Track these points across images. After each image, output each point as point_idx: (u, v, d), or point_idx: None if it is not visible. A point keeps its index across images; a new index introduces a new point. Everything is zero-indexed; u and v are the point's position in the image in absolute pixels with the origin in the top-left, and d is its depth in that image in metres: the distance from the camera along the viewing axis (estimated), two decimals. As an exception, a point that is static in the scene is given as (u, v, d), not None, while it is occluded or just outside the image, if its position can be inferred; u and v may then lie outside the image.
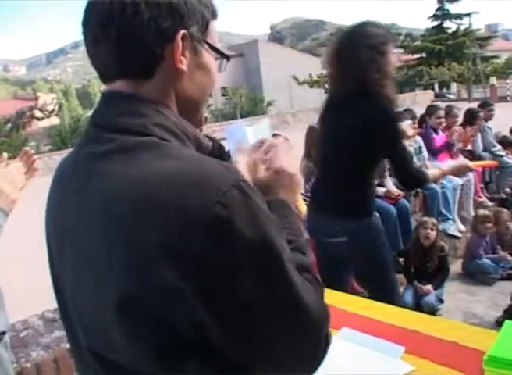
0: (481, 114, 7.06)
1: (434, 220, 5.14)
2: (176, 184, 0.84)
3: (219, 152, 1.20)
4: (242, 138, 2.93)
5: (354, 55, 2.78)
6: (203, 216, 0.82)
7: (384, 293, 3.01)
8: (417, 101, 36.47)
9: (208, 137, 1.16)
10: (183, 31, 0.98)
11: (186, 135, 1.00)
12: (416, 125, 6.07)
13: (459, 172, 3.27)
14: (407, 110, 6.16)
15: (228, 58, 1.17)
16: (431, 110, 6.47)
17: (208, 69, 1.07)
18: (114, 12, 0.95)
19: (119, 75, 1.00)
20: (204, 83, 1.08)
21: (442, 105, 7.22)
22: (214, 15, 1.09)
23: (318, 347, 0.97)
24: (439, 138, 6.38)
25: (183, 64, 1.00)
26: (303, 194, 4.76)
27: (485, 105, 7.73)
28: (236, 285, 0.84)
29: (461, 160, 3.24)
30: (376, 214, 3.08)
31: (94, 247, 0.90)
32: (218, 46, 1.10)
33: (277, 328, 0.89)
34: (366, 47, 2.76)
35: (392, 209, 5.05)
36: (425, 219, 5.17)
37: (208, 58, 1.07)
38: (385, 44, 2.81)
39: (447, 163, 3.20)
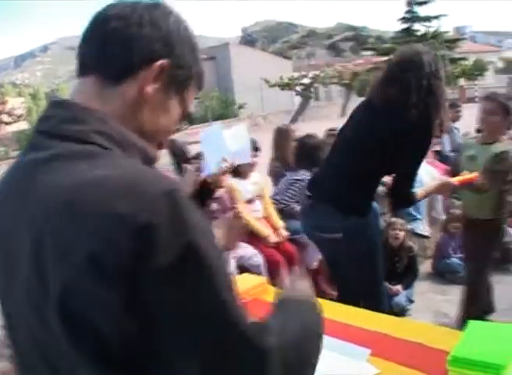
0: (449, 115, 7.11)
1: (402, 221, 5.17)
2: (107, 191, 0.84)
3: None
4: (218, 142, 2.92)
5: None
6: (129, 222, 0.81)
7: (372, 295, 3.04)
8: (388, 102, 36.82)
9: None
10: (165, 61, 1.01)
11: (130, 145, 1.00)
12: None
13: (441, 190, 3.29)
14: None
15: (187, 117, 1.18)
16: None
17: (169, 113, 1.08)
18: (123, 15, 1.01)
19: (95, 69, 1.02)
20: (160, 123, 1.08)
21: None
22: (200, 85, 1.15)
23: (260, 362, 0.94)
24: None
25: (149, 90, 1.01)
26: (272, 197, 4.74)
27: (453, 106, 7.80)
28: (160, 295, 0.82)
29: (443, 178, 3.24)
30: (375, 212, 3.10)
31: (23, 249, 0.89)
32: (190, 108, 1.13)
33: (208, 343, 0.87)
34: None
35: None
36: (394, 219, 5.20)
37: (174, 105, 1.08)
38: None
39: (429, 183, 3.23)
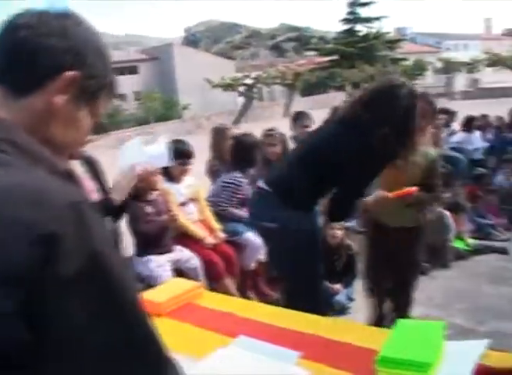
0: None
1: None
2: (12, 200, 0.81)
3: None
4: (135, 152, 2.89)
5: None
6: (33, 231, 0.78)
7: (310, 293, 3.04)
8: (331, 102, 37.26)
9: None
10: (75, 72, 0.99)
11: (36, 155, 0.96)
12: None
13: (378, 204, 3.33)
14: (302, 113, 6.20)
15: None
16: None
17: (80, 124, 1.06)
18: (31, 23, 0.98)
19: (2, 80, 0.99)
20: (70, 134, 1.05)
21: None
22: (111, 94, 1.12)
23: None
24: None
25: (58, 102, 0.99)
26: (208, 199, 4.67)
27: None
28: (61, 305, 0.79)
29: (380, 192, 3.27)
30: (316, 211, 3.15)
31: None
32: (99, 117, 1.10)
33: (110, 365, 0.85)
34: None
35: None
36: None
37: (85, 116, 1.06)
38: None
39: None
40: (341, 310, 4.81)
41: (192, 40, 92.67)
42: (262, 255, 4.68)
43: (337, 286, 4.94)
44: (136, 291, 0.92)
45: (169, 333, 2.31)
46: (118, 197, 2.67)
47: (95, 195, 2.90)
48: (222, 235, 4.37)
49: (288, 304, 2.88)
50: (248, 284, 4.57)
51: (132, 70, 42.67)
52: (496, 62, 38.33)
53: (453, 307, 5.00)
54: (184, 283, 2.73)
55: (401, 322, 1.98)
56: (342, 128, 3.08)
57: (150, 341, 0.91)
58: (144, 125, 30.11)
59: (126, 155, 2.90)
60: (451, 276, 6.01)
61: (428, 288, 5.50)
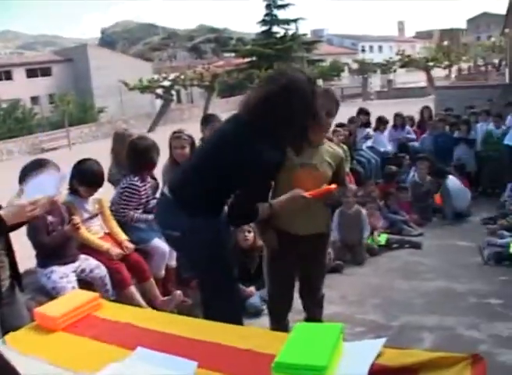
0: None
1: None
2: None
3: None
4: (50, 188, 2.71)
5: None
6: None
7: (219, 298, 2.97)
8: (249, 103, 37.53)
9: None
10: None
11: None
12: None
13: (292, 204, 3.15)
14: (211, 115, 6.14)
15: None
16: None
17: None
18: None
19: None
20: None
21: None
22: None
23: None
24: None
25: None
26: (109, 208, 4.51)
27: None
28: None
29: (295, 191, 3.08)
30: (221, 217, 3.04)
31: None
32: None
33: None
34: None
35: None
36: None
37: None
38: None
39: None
40: (256, 313, 4.79)
41: (108, 41, 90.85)
42: (173, 261, 4.60)
43: (251, 288, 4.92)
44: None
45: (65, 348, 2.21)
46: (7, 218, 2.42)
47: None
48: (130, 245, 4.23)
49: (206, 314, 2.83)
50: (160, 291, 4.47)
51: (45, 72, 41.35)
52: (408, 63, 39.64)
53: (366, 303, 5.09)
54: (82, 295, 2.62)
55: (299, 325, 1.97)
56: (240, 127, 2.97)
57: None
58: (59, 129, 29.25)
59: (40, 182, 2.70)
60: (365, 273, 6.13)
61: (343, 286, 5.59)
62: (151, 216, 4.32)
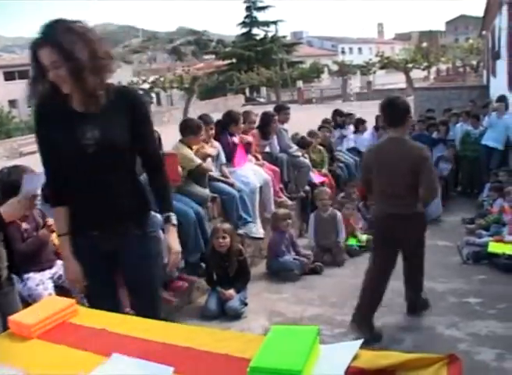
0: (277, 117, 7.29)
1: (226, 226, 5.14)
2: None
3: None
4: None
5: None
6: None
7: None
8: (229, 105, 37.50)
9: None
10: None
11: None
12: (213, 131, 6.04)
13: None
14: (205, 115, 6.13)
15: None
16: (278, 107, 6.55)
17: None
18: None
19: None
20: None
21: (253, 108, 7.39)
22: None
23: None
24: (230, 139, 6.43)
25: None
26: None
27: (281, 108, 8.01)
28: None
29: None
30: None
31: None
32: None
33: None
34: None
35: (190, 212, 4.99)
36: (217, 226, 5.17)
37: None
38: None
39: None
40: (235, 316, 4.77)
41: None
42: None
43: (230, 291, 4.90)
44: None
45: (40, 356, 2.17)
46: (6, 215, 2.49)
47: None
48: None
49: None
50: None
51: (23, 75, 40.87)
52: (387, 64, 39.87)
53: (346, 305, 5.07)
54: (58, 302, 2.57)
55: (275, 328, 1.95)
56: None
57: None
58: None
59: (31, 182, 2.72)
60: (345, 274, 6.14)
61: (323, 287, 5.60)
62: None
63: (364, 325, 4.21)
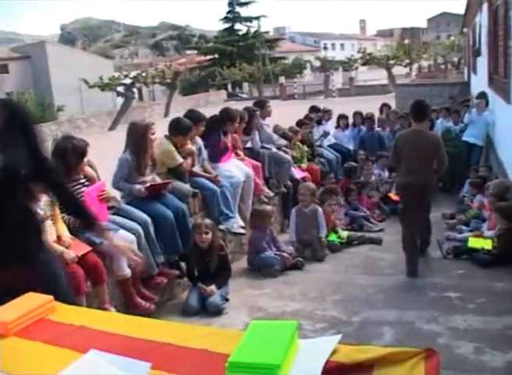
0: (258, 113, 7.27)
1: (208, 222, 5.12)
2: None
3: None
4: None
5: None
6: None
7: None
8: (211, 101, 37.48)
9: None
10: None
11: None
12: (203, 128, 5.97)
13: None
14: (196, 112, 6.08)
15: None
16: (261, 103, 6.49)
17: None
18: None
19: None
20: None
21: (236, 104, 7.35)
22: None
23: None
24: (222, 139, 6.40)
25: None
26: None
27: (263, 103, 7.98)
28: None
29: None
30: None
31: None
32: None
33: None
34: None
35: (168, 213, 4.94)
36: (198, 222, 5.15)
37: None
38: None
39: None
40: (216, 312, 4.76)
41: (68, 38, 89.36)
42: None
43: (211, 287, 4.88)
44: None
45: (18, 354, 2.15)
46: None
47: None
48: (68, 240, 4.06)
49: None
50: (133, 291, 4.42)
51: (2, 70, 40.41)
52: (369, 61, 39.98)
53: (327, 300, 5.11)
54: (36, 298, 2.54)
55: (254, 324, 1.95)
56: None
57: None
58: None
59: None
60: (326, 270, 6.16)
61: (304, 283, 5.61)
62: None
63: (415, 270, 5.66)
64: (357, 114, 10.97)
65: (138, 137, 4.94)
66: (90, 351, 2.01)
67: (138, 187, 4.87)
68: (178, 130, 5.51)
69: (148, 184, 4.92)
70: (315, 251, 6.44)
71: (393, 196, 8.60)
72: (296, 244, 6.49)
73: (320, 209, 6.79)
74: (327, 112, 10.49)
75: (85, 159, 4.40)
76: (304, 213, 6.69)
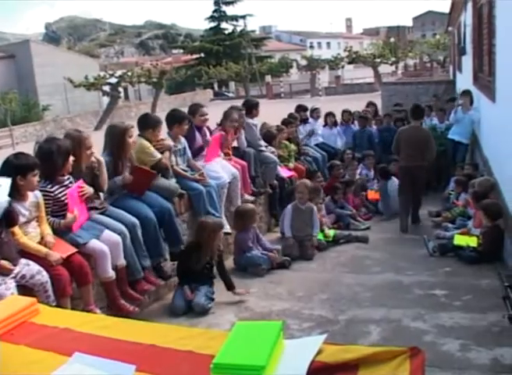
0: (244, 112, 7.24)
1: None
2: None
3: None
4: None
5: None
6: None
7: None
8: (198, 100, 37.38)
9: None
10: None
11: None
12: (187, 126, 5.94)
13: None
14: (175, 110, 6.04)
15: None
16: (193, 109, 6.41)
17: None
18: None
19: None
20: None
21: (222, 103, 7.31)
22: None
23: None
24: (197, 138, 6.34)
25: None
26: None
27: (255, 105, 7.89)
28: None
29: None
30: None
31: None
32: None
33: None
34: None
35: (151, 215, 4.88)
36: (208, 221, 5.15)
37: None
38: None
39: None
40: (203, 312, 4.74)
41: (53, 37, 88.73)
42: (120, 260, 4.47)
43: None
44: None
45: (1, 357, 2.12)
46: None
47: None
48: (51, 240, 4.02)
49: None
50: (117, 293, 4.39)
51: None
52: (355, 59, 40.11)
53: (314, 299, 5.10)
54: (19, 301, 2.52)
55: (239, 324, 1.94)
56: None
57: None
58: (2, 128, 28.39)
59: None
60: (313, 269, 6.16)
61: (291, 282, 5.60)
62: (63, 221, 4.22)
63: (406, 227, 7.57)
64: (345, 112, 11.01)
65: (115, 140, 4.91)
66: (75, 354, 1.99)
67: (122, 176, 4.87)
68: (146, 124, 5.44)
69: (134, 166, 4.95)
70: (305, 250, 6.43)
71: (372, 195, 8.71)
72: (292, 240, 6.47)
73: (315, 208, 6.79)
74: (315, 111, 10.48)
75: (70, 159, 4.36)
76: (301, 210, 6.69)
